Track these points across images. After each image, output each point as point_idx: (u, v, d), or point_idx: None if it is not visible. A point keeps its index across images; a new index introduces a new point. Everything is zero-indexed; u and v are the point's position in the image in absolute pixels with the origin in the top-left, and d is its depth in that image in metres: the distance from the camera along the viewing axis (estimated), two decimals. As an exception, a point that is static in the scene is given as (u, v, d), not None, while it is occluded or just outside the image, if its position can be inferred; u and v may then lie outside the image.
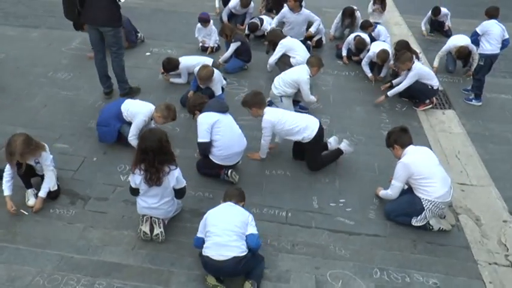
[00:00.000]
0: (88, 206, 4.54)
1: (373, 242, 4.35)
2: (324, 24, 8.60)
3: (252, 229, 3.74)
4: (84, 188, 4.74)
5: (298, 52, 6.66)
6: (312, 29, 7.58)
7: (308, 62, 5.95)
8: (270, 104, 6.03)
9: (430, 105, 6.59)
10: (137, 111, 5.09)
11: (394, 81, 6.66)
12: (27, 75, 6.68)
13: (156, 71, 6.94)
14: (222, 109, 4.81)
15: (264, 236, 4.29)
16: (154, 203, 4.01)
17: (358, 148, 5.65)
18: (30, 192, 4.46)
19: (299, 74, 5.82)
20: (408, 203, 4.49)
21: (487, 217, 4.76)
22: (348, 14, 8.37)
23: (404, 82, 6.37)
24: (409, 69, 6.31)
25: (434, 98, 6.68)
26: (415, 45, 8.61)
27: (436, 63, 7.60)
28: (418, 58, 6.83)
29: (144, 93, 6.41)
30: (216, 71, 5.91)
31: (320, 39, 8.24)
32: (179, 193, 4.11)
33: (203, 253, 3.65)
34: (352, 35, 7.60)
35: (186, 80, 6.62)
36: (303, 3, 8.01)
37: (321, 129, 5.03)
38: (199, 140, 4.73)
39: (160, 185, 3.87)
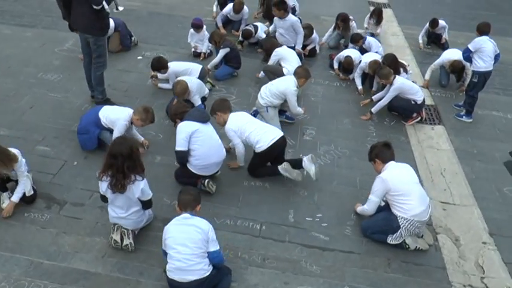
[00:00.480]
0: (63, 211, 4.53)
1: (346, 259, 4.31)
2: (320, 33, 8.58)
3: (213, 246, 3.66)
4: (61, 193, 4.74)
5: (291, 62, 6.63)
6: (297, 46, 7.50)
7: (295, 73, 5.93)
8: (256, 113, 6.01)
9: (418, 119, 6.54)
10: (116, 117, 5.09)
11: (374, 97, 6.60)
12: (17, 75, 6.70)
13: (145, 76, 6.94)
14: (203, 119, 4.79)
15: (235, 248, 4.28)
16: (122, 213, 4.00)
17: (341, 162, 5.62)
18: (5, 195, 4.46)
19: (286, 85, 5.79)
20: (384, 220, 4.45)
21: (467, 238, 4.71)
22: (341, 19, 8.31)
23: (386, 97, 6.33)
24: (391, 84, 6.26)
25: (423, 113, 6.62)
26: (410, 57, 8.59)
27: (427, 76, 7.55)
28: (406, 71, 6.78)
29: (132, 97, 6.41)
30: (196, 82, 5.92)
31: (314, 49, 8.20)
32: (145, 204, 4.09)
33: (167, 275, 3.63)
34: (344, 53, 7.53)
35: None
36: (297, 11, 7.99)
37: (278, 143, 4.98)
38: (177, 148, 4.72)
39: (123, 193, 3.85)
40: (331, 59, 7.95)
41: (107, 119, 5.11)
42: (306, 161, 5.00)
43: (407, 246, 4.42)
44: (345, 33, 8.46)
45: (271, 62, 6.88)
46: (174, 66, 6.50)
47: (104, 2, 5.37)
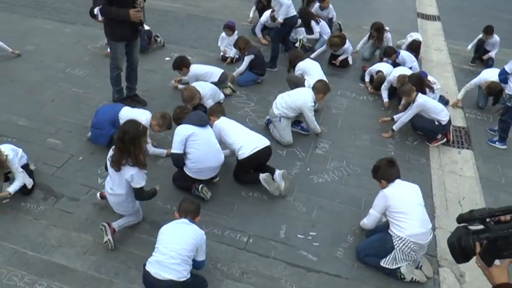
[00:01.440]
0: (58, 204, 4.62)
1: (331, 283, 4.07)
2: (354, 44, 8.28)
3: (202, 256, 3.69)
4: (60, 186, 4.84)
5: (314, 76, 6.42)
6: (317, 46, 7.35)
7: (314, 87, 5.75)
8: (269, 122, 5.86)
9: (444, 140, 6.10)
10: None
11: (395, 116, 6.23)
12: (47, 69, 6.99)
13: (170, 77, 7.00)
14: (201, 122, 4.73)
15: (216, 259, 4.17)
16: (110, 188, 4.12)
17: (350, 179, 5.34)
18: (6, 185, 4.61)
19: (303, 100, 5.63)
20: (379, 241, 4.19)
21: (473, 276, 4.29)
22: (375, 28, 7.96)
23: (407, 113, 5.96)
24: (413, 101, 5.88)
25: (451, 135, 6.17)
26: (450, 75, 8.09)
27: (460, 96, 7.05)
28: (432, 91, 6.35)
29: (150, 97, 6.48)
30: (209, 87, 5.88)
31: (346, 59, 7.91)
32: (137, 193, 4.11)
33: (145, 266, 3.60)
34: (376, 67, 7.20)
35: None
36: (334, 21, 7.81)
37: (261, 153, 4.85)
38: (172, 150, 4.71)
39: (118, 171, 3.96)
40: (364, 71, 7.63)
41: (126, 119, 5.15)
42: (277, 176, 4.88)
43: (402, 276, 4.09)
44: (378, 44, 8.10)
45: (297, 74, 6.71)
46: (195, 68, 6.49)
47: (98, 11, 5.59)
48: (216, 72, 6.51)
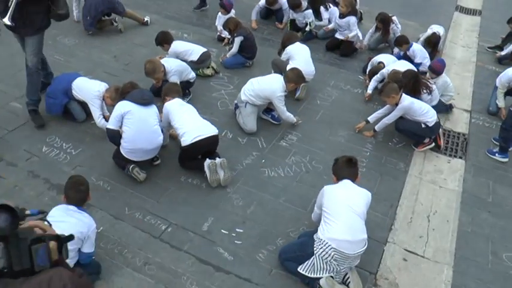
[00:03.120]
0: (-5, 167, 4.56)
1: (236, 287, 3.67)
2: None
3: (88, 247, 3.40)
4: (4, 150, 4.80)
5: (298, 61, 5.91)
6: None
7: (285, 76, 5.25)
8: (236, 107, 5.47)
9: (432, 145, 5.38)
10: (88, 91, 4.98)
11: (370, 118, 5.53)
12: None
13: (157, 53, 6.70)
14: (141, 101, 4.46)
15: (125, 245, 3.93)
16: None
17: (306, 177, 4.85)
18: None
19: (272, 90, 5.17)
20: (301, 244, 3.78)
21: (412, 302, 3.72)
22: (380, 20, 7.21)
23: (391, 115, 5.29)
24: (396, 104, 5.19)
25: (442, 140, 5.44)
26: (470, 74, 7.20)
27: (501, 103, 6.06)
28: (429, 92, 5.59)
29: (129, 71, 6.26)
30: (176, 64, 5.55)
31: (351, 44, 7.28)
32: None
33: None
34: (378, 58, 6.52)
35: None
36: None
37: (204, 142, 4.51)
38: (107, 125, 4.51)
39: None
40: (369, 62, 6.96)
41: (79, 90, 5.02)
42: (210, 164, 4.54)
43: (320, 290, 3.61)
44: (385, 37, 7.34)
45: (283, 59, 6.23)
46: (175, 45, 6.20)
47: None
48: (197, 50, 6.19)
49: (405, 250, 4.19)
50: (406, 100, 5.17)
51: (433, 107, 5.62)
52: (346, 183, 3.78)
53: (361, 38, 7.41)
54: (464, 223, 4.54)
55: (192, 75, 5.73)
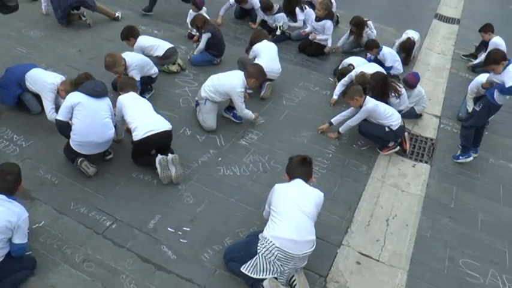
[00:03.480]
0: None
1: (176, 287, 3.49)
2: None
3: (20, 238, 3.22)
4: None
5: (263, 58, 5.81)
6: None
7: (246, 71, 5.11)
8: (197, 104, 5.31)
9: (396, 149, 5.27)
10: (41, 84, 4.80)
11: (333, 120, 5.41)
12: (1, 25, 6.72)
13: (123, 48, 6.54)
14: (93, 92, 4.30)
15: (66, 240, 3.76)
16: None
17: (263, 177, 4.69)
18: None
19: (231, 85, 5.03)
20: (246, 243, 3.63)
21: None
22: (353, 24, 7.12)
23: (355, 117, 5.17)
24: (360, 106, 5.08)
25: (407, 144, 5.32)
26: (442, 81, 7.13)
27: (470, 109, 5.83)
28: (398, 95, 5.49)
29: (93, 65, 6.06)
30: (137, 58, 5.38)
31: (319, 48, 7.20)
32: None
33: None
34: (349, 60, 6.41)
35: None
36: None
37: (155, 138, 4.33)
38: (56, 116, 4.34)
39: None
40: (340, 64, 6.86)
41: (32, 81, 4.85)
42: (161, 160, 4.35)
43: (264, 292, 3.44)
44: (358, 40, 7.26)
45: (250, 57, 6.11)
46: (141, 40, 6.03)
47: None
48: (163, 46, 6.04)
49: (360, 253, 4.05)
50: (370, 102, 5.05)
51: (404, 113, 5.55)
52: (298, 182, 3.64)
53: (329, 44, 7.28)
54: (423, 228, 4.41)
55: (154, 70, 5.57)
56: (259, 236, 3.46)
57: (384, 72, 5.90)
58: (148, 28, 7.29)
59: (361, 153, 5.28)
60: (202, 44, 6.44)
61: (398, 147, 5.28)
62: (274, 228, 3.38)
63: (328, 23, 7.09)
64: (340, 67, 6.48)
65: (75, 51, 6.41)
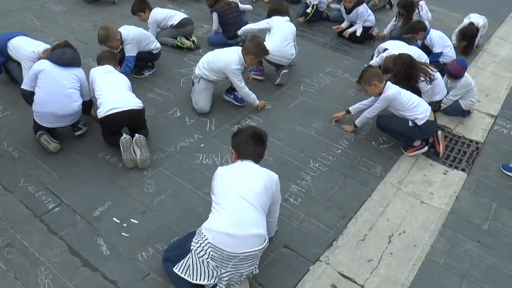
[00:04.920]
0: None
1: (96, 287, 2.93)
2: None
3: None
4: None
5: (274, 38, 5.04)
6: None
7: (243, 47, 4.42)
8: (193, 83, 4.72)
9: (424, 149, 4.26)
10: (21, 52, 4.51)
11: (351, 108, 4.53)
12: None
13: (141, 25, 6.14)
14: (59, 60, 3.92)
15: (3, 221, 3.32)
16: None
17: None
18: None
19: (226, 62, 4.39)
20: (185, 239, 2.96)
21: None
22: (401, 5, 6.07)
23: (372, 107, 4.25)
24: (380, 94, 4.13)
25: (441, 146, 4.29)
26: (508, 75, 5.82)
27: None
28: (430, 80, 4.43)
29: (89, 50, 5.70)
30: (135, 31, 4.89)
31: (354, 33, 6.25)
32: None
33: None
34: (384, 45, 5.38)
35: (154, 35, 5.69)
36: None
37: (118, 116, 3.80)
38: (22, 85, 4.01)
39: None
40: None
41: (14, 49, 4.56)
42: (123, 140, 3.78)
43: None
44: (406, 25, 6.16)
45: (258, 26, 5.33)
46: (155, 12, 5.60)
47: None
48: (178, 15, 5.62)
49: (340, 274, 3.18)
50: (391, 89, 4.10)
51: (448, 108, 4.54)
52: (246, 164, 2.88)
53: (370, 21, 6.28)
54: (437, 251, 3.41)
55: (155, 45, 5.06)
56: (197, 229, 2.78)
57: (425, 57, 4.87)
58: (176, 6, 6.82)
59: (380, 153, 4.34)
60: (214, 25, 5.86)
61: (426, 148, 4.27)
62: (211, 219, 2.73)
63: (360, 9, 6.17)
64: (376, 54, 5.49)
65: (90, 26, 6.13)
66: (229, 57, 4.36)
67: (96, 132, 4.17)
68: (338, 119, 4.62)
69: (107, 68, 4.07)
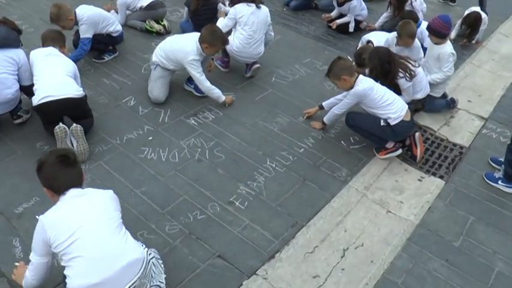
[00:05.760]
0: None
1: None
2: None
3: None
4: None
5: (238, 34, 4.46)
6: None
7: (200, 35, 3.99)
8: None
9: (398, 152, 3.82)
10: None
11: (324, 103, 4.15)
12: None
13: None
14: None
15: None
16: None
17: (193, 168, 3.60)
18: None
19: (185, 52, 3.98)
20: None
21: None
22: None
23: (342, 103, 3.82)
24: (351, 88, 3.70)
25: (418, 149, 3.85)
26: (509, 75, 5.31)
27: None
28: (409, 77, 3.97)
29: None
30: (92, 12, 4.51)
31: (346, 25, 5.75)
32: None
33: None
34: (369, 36, 4.98)
35: (123, 20, 5.34)
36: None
37: (50, 105, 3.43)
38: None
39: None
40: (368, 43, 5.41)
41: None
42: (58, 130, 3.42)
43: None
44: (396, 16, 5.69)
45: (225, 22, 4.60)
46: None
47: None
48: None
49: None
50: (362, 84, 3.66)
51: (432, 107, 4.14)
52: (72, 195, 2.31)
53: (362, 13, 5.83)
54: (397, 269, 2.99)
55: (114, 28, 4.68)
56: None
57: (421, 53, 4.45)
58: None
59: (348, 154, 3.91)
60: (185, 15, 5.47)
61: (400, 151, 3.83)
62: (68, 283, 2.20)
63: (353, 3, 5.69)
64: (359, 44, 5.05)
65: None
66: (186, 47, 3.96)
67: (34, 121, 3.83)
68: (310, 115, 4.21)
69: (49, 51, 3.70)
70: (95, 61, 4.69)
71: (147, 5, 5.20)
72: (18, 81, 3.65)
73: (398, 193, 3.60)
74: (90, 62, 4.69)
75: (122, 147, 3.70)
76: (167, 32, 5.32)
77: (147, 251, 2.39)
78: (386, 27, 5.82)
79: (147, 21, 5.27)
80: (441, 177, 3.79)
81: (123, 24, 5.29)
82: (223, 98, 4.16)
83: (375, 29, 5.88)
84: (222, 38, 3.99)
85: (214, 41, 3.93)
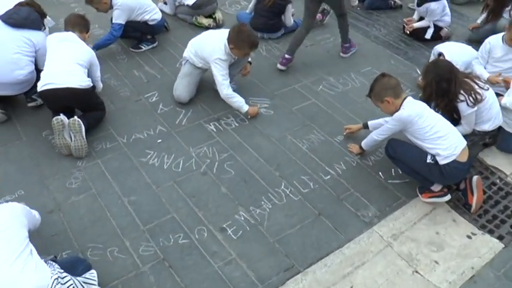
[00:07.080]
0: None
1: None
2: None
3: None
4: None
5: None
6: None
7: (228, 34, 3.54)
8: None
9: (446, 198, 3.06)
10: None
11: (370, 123, 3.49)
12: None
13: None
14: (7, 19, 3.45)
15: None
16: None
17: (194, 180, 3.20)
18: None
19: (213, 49, 3.56)
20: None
21: None
22: None
23: (382, 128, 3.14)
24: (395, 111, 3.00)
25: (474, 196, 3.06)
26: None
27: None
28: (474, 102, 3.13)
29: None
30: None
31: (424, 29, 4.97)
32: None
33: None
34: (439, 48, 4.14)
35: (172, 11, 5.07)
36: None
37: (55, 92, 3.22)
38: None
39: None
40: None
41: None
42: (55, 121, 3.19)
43: None
44: (493, 20, 4.69)
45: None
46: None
47: None
48: None
49: None
50: (408, 108, 2.95)
51: (503, 139, 3.37)
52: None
53: (446, 19, 4.93)
54: None
55: (151, 16, 4.39)
56: None
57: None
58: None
59: (384, 189, 3.22)
60: (251, 3, 5.00)
61: (449, 197, 3.05)
62: None
63: (432, 6, 4.78)
64: (431, 57, 4.24)
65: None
66: (215, 44, 3.54)
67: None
68: (351, 132, 3.57)
69: (64, 36, 3.49)
70: (132, 50, 4.47)
71: (193, 4, 4.83)
72: (35, 64, 3.50)
73: (436, 250, 2.86)
74: (126, 50, 4.47)
75: (126, 147, 3.40)
76: (218, 26, 4.93)
77: (56, 278, 2.01)
78: (473, 38, 4.87)
79: (194, 17, 4.92)
80: (500, 237, 2.96)
81: (173, 15, 5.04)
82: (245, 107, 3.65)
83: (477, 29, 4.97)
84: (250, 41, 3.47)
85: (240, 43, 3.45)
